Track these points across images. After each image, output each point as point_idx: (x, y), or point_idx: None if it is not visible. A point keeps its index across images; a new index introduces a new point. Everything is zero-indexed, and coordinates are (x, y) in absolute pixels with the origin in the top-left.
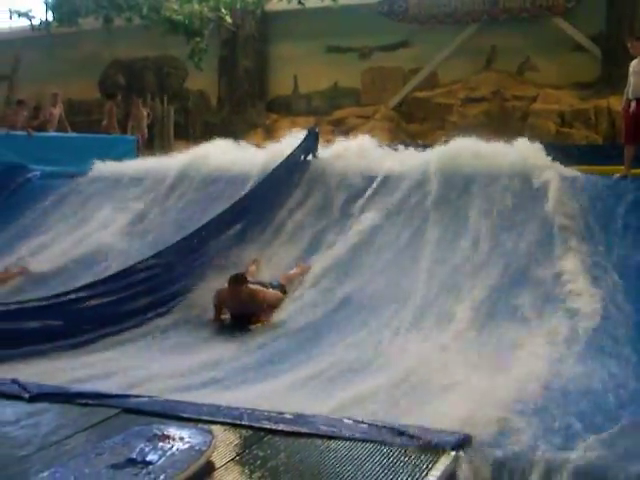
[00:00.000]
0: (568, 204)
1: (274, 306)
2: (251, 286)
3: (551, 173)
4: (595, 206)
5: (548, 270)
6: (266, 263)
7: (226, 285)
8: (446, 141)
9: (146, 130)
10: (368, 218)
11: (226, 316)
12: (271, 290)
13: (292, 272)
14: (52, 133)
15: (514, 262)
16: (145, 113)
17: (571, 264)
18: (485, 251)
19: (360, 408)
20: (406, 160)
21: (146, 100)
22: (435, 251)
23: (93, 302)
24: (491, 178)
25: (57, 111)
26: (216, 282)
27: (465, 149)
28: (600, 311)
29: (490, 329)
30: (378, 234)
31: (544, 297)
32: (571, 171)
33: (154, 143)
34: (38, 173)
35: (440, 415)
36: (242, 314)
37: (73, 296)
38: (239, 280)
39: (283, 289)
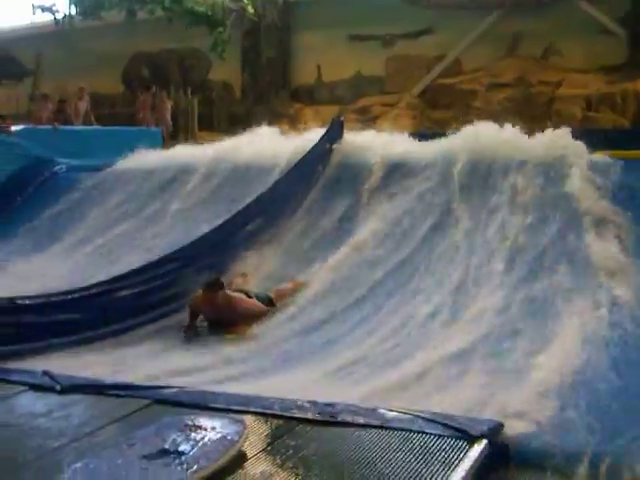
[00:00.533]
0: (596, 188)
1: (254, 317)
2: (229, 292)
3: (579, 157)
4: (623, 190)
5: (580, 254)
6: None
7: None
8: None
9: (170, 122)
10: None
11: (203, 324)
12: (253, 300)
13: (284, 287)
14: (77, 126)
15: (546, 249)
16: (169, 106)
17: (602, 248)
18: (516, 238)
19: (392, 397)
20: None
21: (170, 92)
22: (465, 237)
23: (120, 294)
24: (519, 163)
25: (83, 105)
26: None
27: (493, 135)
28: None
29: (525, 317)
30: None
31: (577, 281)
32: (599, 155)
33: (178, 135)
34: (64, 166)
35: (471, 402)
36: (218, 321)
37: (100, 289)
38: (213, 285)
39: (271, 302)
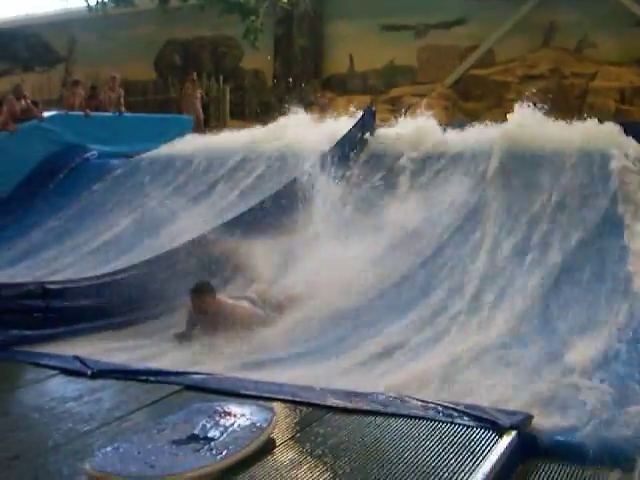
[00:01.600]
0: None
1: (248, 323)
2: (220, 298)
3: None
4: None
5: (613, 249)
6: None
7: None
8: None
9: (200, 111)
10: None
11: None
12: (248, 305)
13: (295, 292)
14: (109, 113)
15: (581, 241)
16: (199, 94)
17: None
18: (548, 230)
19: (419, 387)
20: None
21: (202, 80)
22: (497, 229)
23: (147, 280)
24: (558, 154)
25: (115, 95)
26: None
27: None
28: None
29: (554, 307)
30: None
31: (609, 275)
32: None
33: (210, 122)
34: (96, 153)
35: (500, 395)
36: (214, 329)
37: (129, 273)
38: (200, 290)
39: (278, 308)
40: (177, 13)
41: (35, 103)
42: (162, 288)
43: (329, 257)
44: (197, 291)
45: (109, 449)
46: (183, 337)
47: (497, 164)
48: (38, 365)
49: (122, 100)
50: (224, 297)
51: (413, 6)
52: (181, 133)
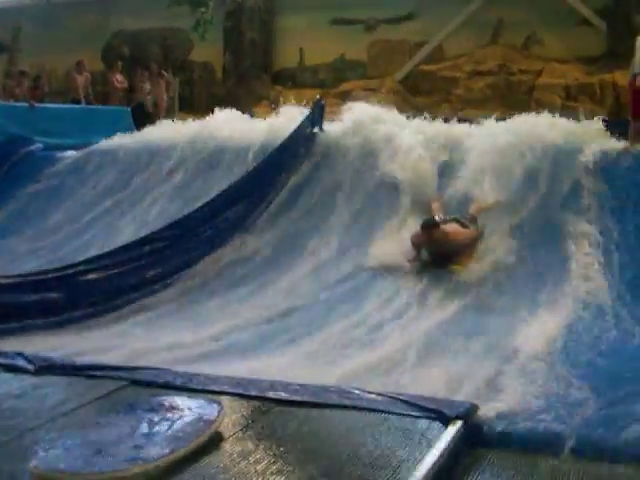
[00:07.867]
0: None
1: (471, 245)
2: (443, 227)
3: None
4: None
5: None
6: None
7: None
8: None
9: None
10: None
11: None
12: (464, 230)
13: (482, 204)
14: (53, 104)
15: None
16: (163, 83)
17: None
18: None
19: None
20: None
21: (152, 72)
22: None
23: (96, 275)
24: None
25: (82, 79)
26: (218, 254)
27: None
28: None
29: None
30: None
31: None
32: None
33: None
34: (40, 145)
35: (447, 383)
36: (440, 256)
37: (77, 269)
38: (428, 226)
39: (476, 222)
40: (126, 3)
41: None
42: (113, 283)
43: None
44: (427, 226)
45: (54, 446)
46: (414, 260)
47: None
48: None
49: (89, 85)
50: (444, 227)
51: (364, 0)
52: (127, 125)
